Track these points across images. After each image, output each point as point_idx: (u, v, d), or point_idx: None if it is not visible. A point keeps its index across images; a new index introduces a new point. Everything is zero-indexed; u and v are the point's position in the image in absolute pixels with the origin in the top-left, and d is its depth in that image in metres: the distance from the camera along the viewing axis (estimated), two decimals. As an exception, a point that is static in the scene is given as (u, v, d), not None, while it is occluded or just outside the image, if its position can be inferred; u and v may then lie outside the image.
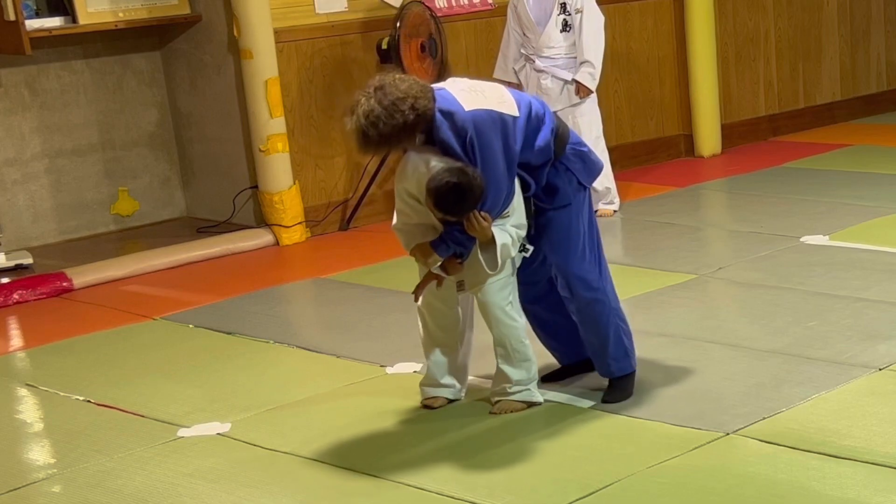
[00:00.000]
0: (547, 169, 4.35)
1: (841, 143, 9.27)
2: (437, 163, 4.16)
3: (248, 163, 7.63)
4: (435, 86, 4.27)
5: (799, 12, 9.85)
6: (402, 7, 7.45)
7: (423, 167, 4.19)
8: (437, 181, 4.10)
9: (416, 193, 4.25)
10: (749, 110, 9.63)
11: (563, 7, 7.05)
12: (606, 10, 8.74)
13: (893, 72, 10.59)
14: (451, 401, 4.60)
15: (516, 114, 4.25)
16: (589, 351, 4.61)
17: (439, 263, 4.31)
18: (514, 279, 4.45)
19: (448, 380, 4.58)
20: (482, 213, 4.17)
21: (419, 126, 4.13)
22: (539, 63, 7.11)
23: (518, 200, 4.33)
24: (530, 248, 4.43)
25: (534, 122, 4.29)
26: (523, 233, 4.37)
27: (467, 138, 4.13)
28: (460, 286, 4.38)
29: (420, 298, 4.45)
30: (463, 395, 4.63)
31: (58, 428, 4.74)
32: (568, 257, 4.44)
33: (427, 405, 4.59)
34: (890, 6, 10.49)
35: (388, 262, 6.71)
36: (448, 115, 4.14)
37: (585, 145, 4.51)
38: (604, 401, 4.51)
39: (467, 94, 4.22)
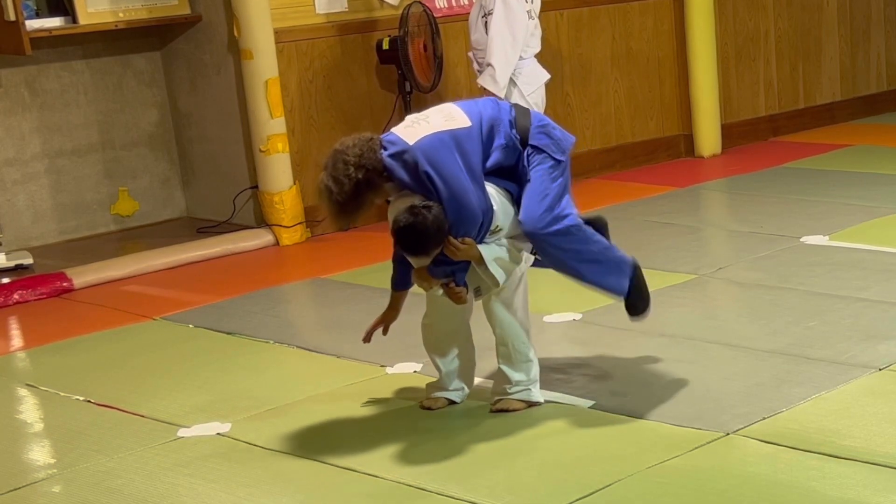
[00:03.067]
0: (522, 163, 4.34)
1: (841, 143, 9.27)
2: (414, 200, 4.18)
3: (248, 163, 7.63)
4: (383, 135, 4.31)
5: (799, 12, 9.85)
6: (406, 7, 7.45)
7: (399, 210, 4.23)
8: (393, 227, 4.17)
9: None
10: (749, 110, 9.63)
11: (482, 9, 7.00)
12: (606, 9, 8.80)
13: (893, 72, 10.59)
14: (451, 402, 4.61)
15: (468, 123, 4.26)
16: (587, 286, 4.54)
17: (441, 291, 4.34)
18: (523, 281, 4.46)
19: (457, 384, 4.60)
20: (459, 238, 4.19)
21: (374, 180, 4.20)
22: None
23: (503, 211, 4.29)
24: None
25: (488, 123, 4.30)
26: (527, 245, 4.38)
27: (419, 170, 4.16)
28: (477, 292, 4.39)
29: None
30: (466, 396, 4.64)
31: (58, 428, 4.75)
32: (532, 202, 4.31)
33: (427, 406, 4.60)
34: (890, 6, 10.49)
35: (388, 263, 6.64)
36: (396, 156, 4.20)
37: (547, 119, 4.48)
38: (631, 315, 4.53)
39: (410, 128, 4.27)
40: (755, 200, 7.63)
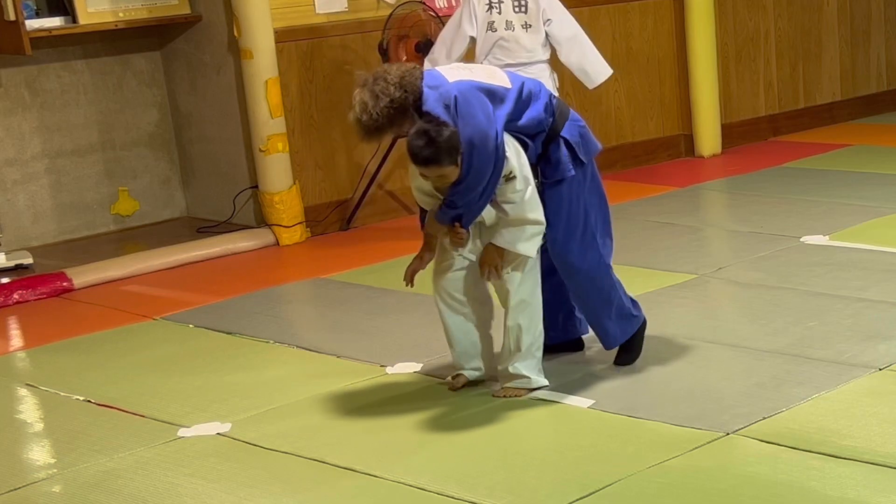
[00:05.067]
0: (542, 138, 4.51)
1: (841, 143, 9.27)
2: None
3: (248, 163, 7.63)
4: (425, 69, 4.51)
5: (799, 12, 9.85)
6: (394, 7, 7.42)
7: None
8: (409, 136, 4.31)
9: (424, 188, 4.47)
10: (749, 110, 9.63)
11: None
12: (607, 9, 8.80)
13: (893, 72, 10.59)
14: (471, 380, 4.75)
15: (508, 86, 4.46)
16: (589, 323, 4.83)
17: (447, 237, 4.50)
18: (533, 263, 4.54)
19: (474, 363, 4.73)
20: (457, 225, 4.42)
21: (407, 104, 4.33)
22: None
23: (516, 158, 4.41)
24: None
25: (526, 95, 4.47)
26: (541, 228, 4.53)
27: (452, 99, 4.31)
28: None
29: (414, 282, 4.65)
30: (483, 376, 4.77)
31: (58, 428, 4.75)
32: (561, 235, 4.59)
33: (449, 386, 4.74)
34: (890, 6, 10.49)
35: (388, 262, 6.71)
36: (434, 88, 4.37)
37: (585, 124, 4.68)
38: (616, 363, 4.79)
39: (454, 70, 4.50)
40: (755, 200, 7.63)
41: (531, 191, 4.45)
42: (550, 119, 4.51)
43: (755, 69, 9.63)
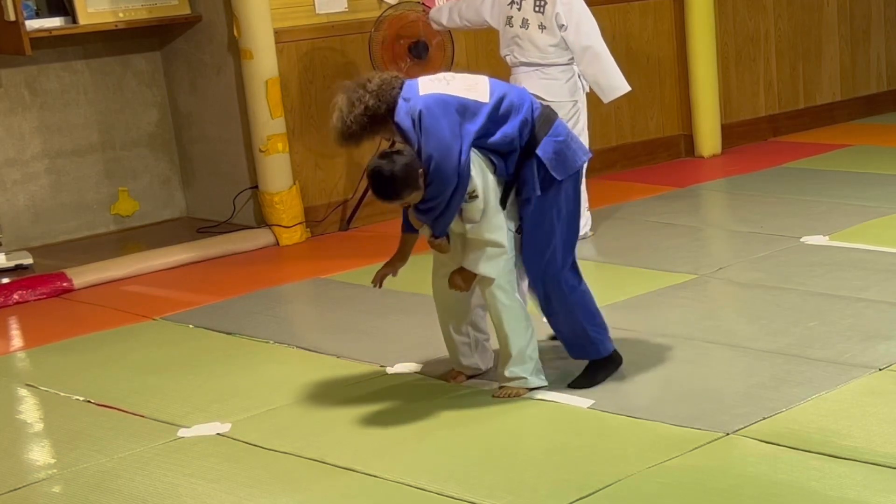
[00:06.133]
0: (514, 157, 4.47)
1: (841, 143, 9.27)
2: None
3: (248, 163, 7.63)
4: (408, 80, 4.51)
5: (799, 12, 9.85)
6: (385, 9, 7.38)
7: None
8: (367, 168, 4.40)
9: None
10: (749, 110, 9.63)
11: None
12: (607, 10, 8.79)
13: (893, 72, 10.59)
14: (469, 376, 4.81)
15: (485, 100, 4.42)
16: (560, 337, 4.79)
17: (428, 238, 4.55)
18: (512, 263, 4.55)
19: (470, 360, 4.80)
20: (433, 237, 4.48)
21: (381, 114, 4.37)
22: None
23: (482, 178, 4.40)
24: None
25: (504, 110, 4.43)
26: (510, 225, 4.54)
27: (417, 114, 4.33)
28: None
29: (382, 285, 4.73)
30: (480, 373, 4.82)
31: (58, 428, 4.75)
32: (532, 254, 4.57)
33: (447, 380, 4.80)
34: (890, 6, 10.49)
35: (388, 263, 6.70)
36: (406, 100, 4.38)
37: (566, 136, 4.57)
38: (570, 385, 4.66)
39: (430, 82, 4.48)
40: (755, 200, 7.63)
41: (493, 212, 4.45)
42: (527, 137, 4.44)
43: (755, 69, 9.63)
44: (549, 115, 4.54)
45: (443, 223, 4.44)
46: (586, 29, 6.50)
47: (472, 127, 4.36)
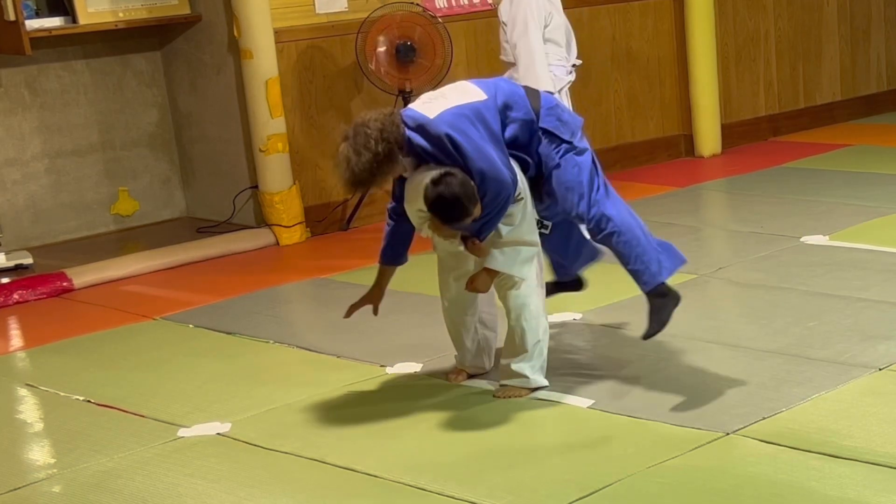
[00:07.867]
0: (536, 141, 4.48)
1: (841, 143, 9.27)
2: (433, 173, 4.28)
3: (248, 163, 7.63)
4: (402, 110, 4.44)
5: (799, 12, 9.85)
6: (373, 10, 7.36)
7: (421, 183, 4.32)
8: (426, 203, 4.28)
9: (424, 209, 4.40)
10: (749, 110, 9.63)
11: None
12: (607, 9, 8.80)
13: (893, 72, 10.59)
14: (471, 376, 4.82)
15: (483, 97, 4.41)
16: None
17: (461, 247, 4.47)
18: (536, 264, 4.56)
19: (476, 361, 4.80)
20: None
21: (393, 153, 4.30)
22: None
23: (521, 179, 4.42)
24: (549, 223, 4.63)
25: (504, 98, 4.43)
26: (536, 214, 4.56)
27: (445, 139, 4.26)
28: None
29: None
30: (484, 373, 4.83)
31: (58, 428, 4.75)
32: (576, 206, 4.53)
33: (449, 380, 4.80)
34: (890, 6, 10.49)
35: (388, 262, 6.69)
36: (418, 128, 4.32)
37: (555, 101, 4.61)
38: (644, 337, 4.61)
39: (429, 104, 4.40)
40: (755, 200, 7.63)
41: (530, 211, 4.47)
42: (532, 114, 4.46)
43: (755, 69, 9.63)
44: (531, 89, 4.61)
45: (492, 227, 4.40)
46: (520, 29, 6.14)
47: (496, 127, 4.37)
